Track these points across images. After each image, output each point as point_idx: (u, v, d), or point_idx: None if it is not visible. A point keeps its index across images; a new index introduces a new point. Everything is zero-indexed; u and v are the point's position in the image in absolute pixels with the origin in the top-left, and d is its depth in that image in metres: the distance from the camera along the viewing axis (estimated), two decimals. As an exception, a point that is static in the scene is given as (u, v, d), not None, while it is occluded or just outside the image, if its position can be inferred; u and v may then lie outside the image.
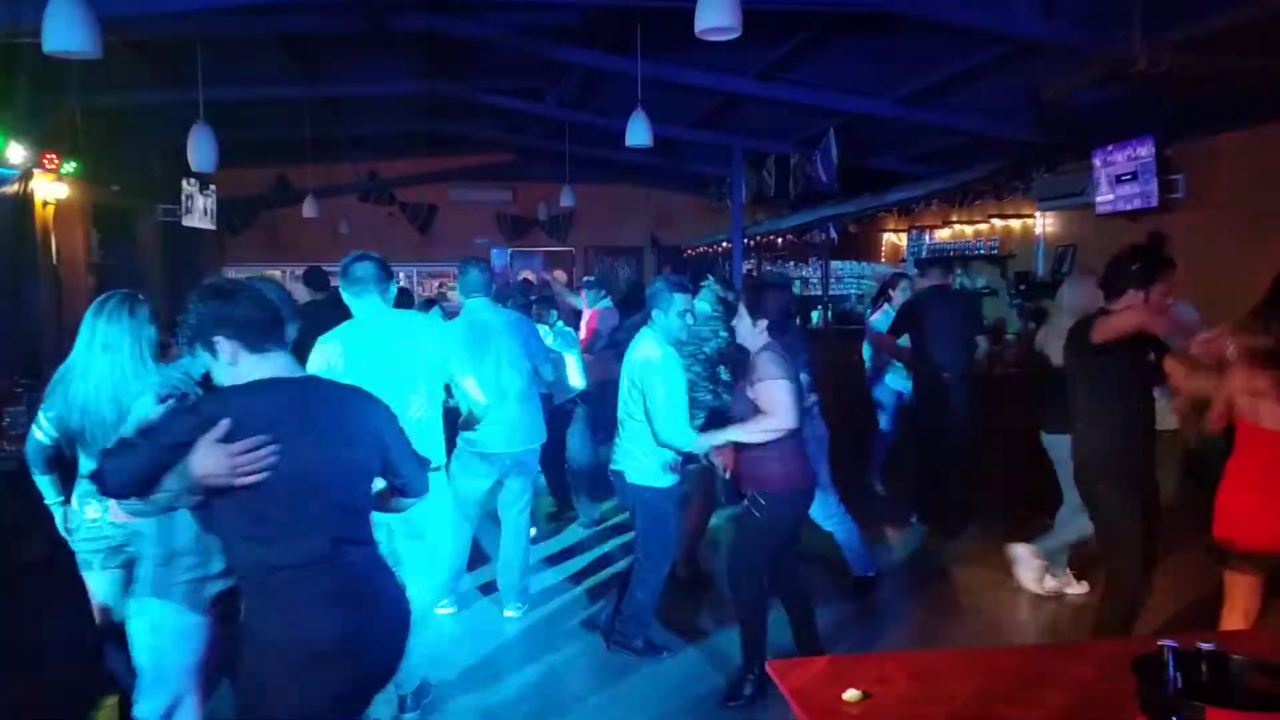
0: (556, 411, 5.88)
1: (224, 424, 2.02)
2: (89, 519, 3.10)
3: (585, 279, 7.30)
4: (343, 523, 2.16)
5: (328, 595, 2.11)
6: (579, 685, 3.93)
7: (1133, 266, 3.48)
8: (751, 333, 3.66)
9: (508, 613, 4.60)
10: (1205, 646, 1.71)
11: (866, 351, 6.98)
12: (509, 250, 14.38)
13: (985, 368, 6.73)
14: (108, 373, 2.99)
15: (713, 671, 4.00)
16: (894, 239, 12.61)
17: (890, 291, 7.04)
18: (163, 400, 2.31)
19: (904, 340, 6.36)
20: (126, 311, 3.05)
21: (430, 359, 3.78)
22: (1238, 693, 1.67)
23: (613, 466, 4.10)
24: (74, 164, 8.08)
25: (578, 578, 5.22)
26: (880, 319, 6.96)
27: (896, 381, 6.84)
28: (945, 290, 6.54)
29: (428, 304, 7.77)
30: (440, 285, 13.65)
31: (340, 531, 2.15)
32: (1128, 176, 6.84)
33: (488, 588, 4.92)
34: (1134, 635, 3.65)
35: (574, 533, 6.08)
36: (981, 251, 10.06)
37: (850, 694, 1.95)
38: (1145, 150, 6.67)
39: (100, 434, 2.94)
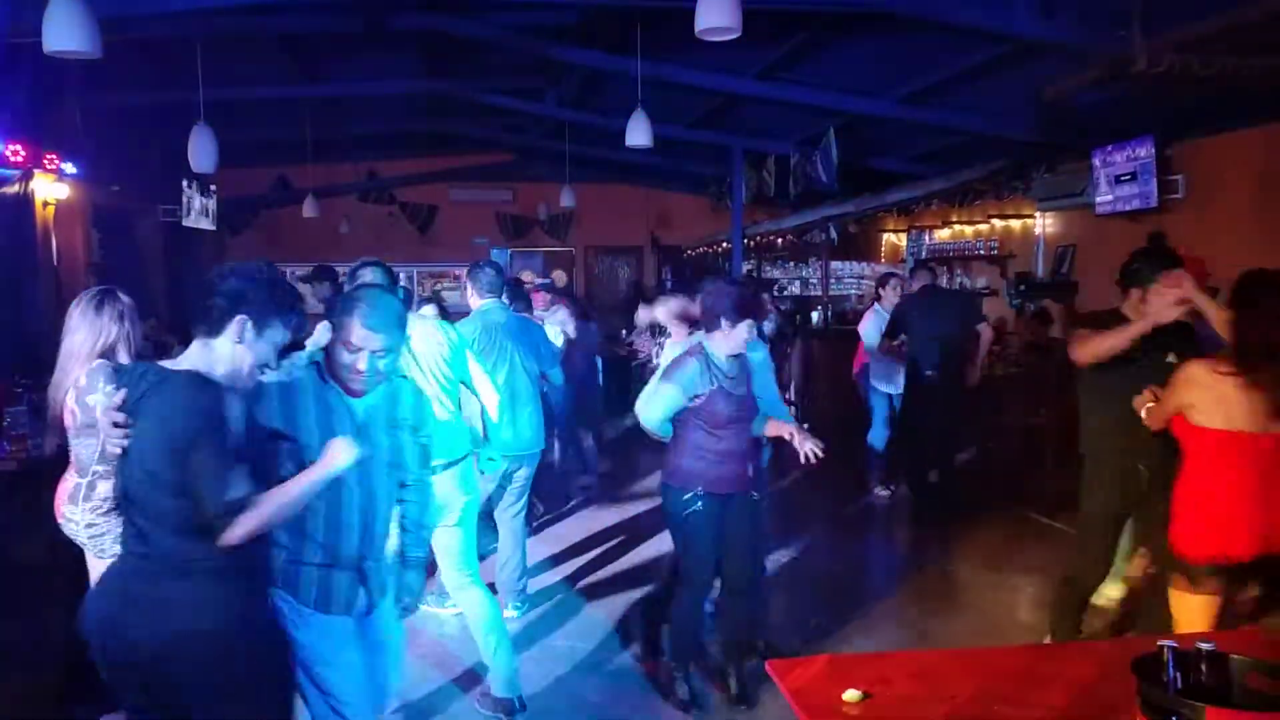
0: None
1: (122, 392, 2.14)
2: None
3: (540, 281, 7.18)
4: (145, 524, 2.14)
5: (107, 581, 2.23)
6: (580, 685, 3.93)
7: (1132, 266, 3.52)
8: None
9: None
10: (1205, 646, 1.71)
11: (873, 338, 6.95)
12: (509, 250, 14.39)
13: (986, 367, 6.74)
14: (63, 360, 3.04)
15: (713, 671, 3.99)
16: (894, 239, 12.60)
17: (881, 290, 7.11)
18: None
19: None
20: (94, 308, 3.07)
21: (445, 362, 3.78)
22: (1237, 693, 1.67)
23: None
24: (73, 164, 8.09)
25: (575, 577, 5.23)
26: (874, 320, 6.98)
27: (882, 383, 6.86)
28: (934, 291, 6.65)
29: (423, 302, 7.74)
30: (435, 284, 13.63)
31: (142, 531, 2.14)
32: (1127, 176, 6.84)
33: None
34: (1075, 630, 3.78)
35: (571, 532, 6.08)
36: (981, 251, 10.06)
37: (850, 694, 1.95)
38: (1145, 150, 6.67)
39: (55, 417, 3.01)
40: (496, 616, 3.67)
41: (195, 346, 2.20)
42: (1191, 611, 2.92)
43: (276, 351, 2.29)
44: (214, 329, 2.18)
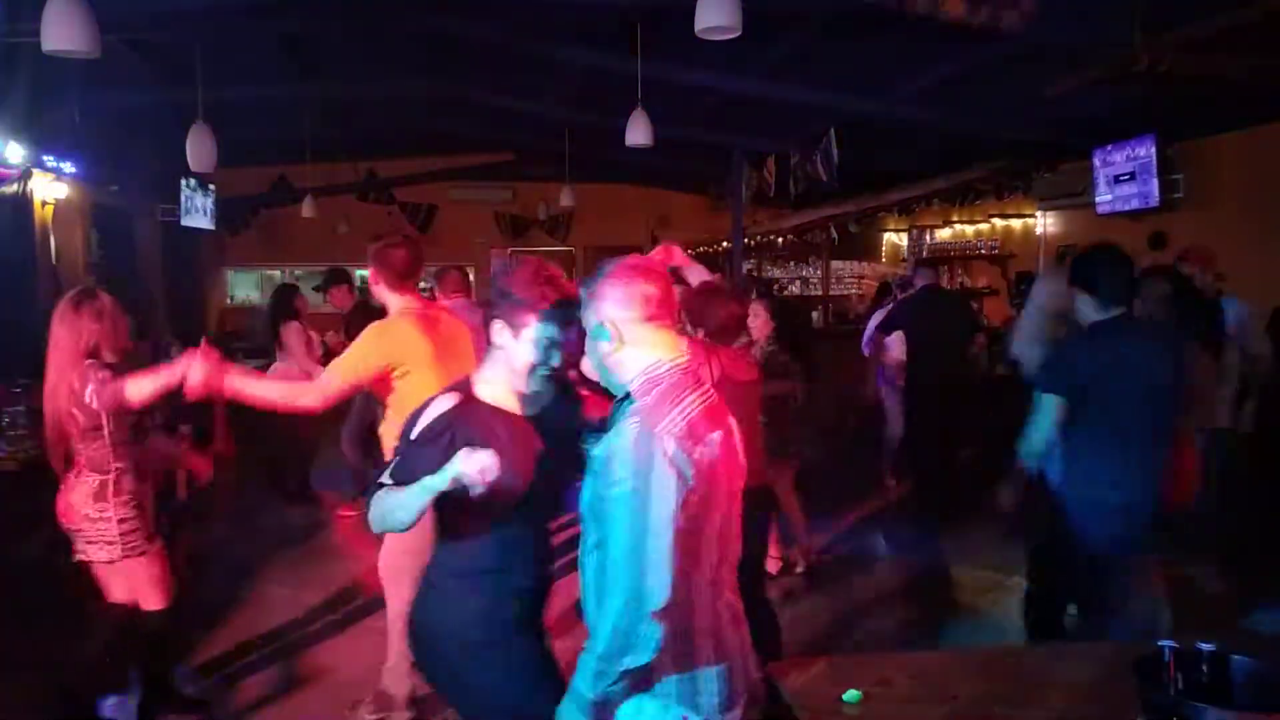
0: None
1: None
2: None
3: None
4: None
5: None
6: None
7: None
8: None
9: None
10: (1205, 647, 1.71)
11: None
12: (508, 250, 14.38)
13: (983, 368, 6.75)
14: (52, 368, 3.09)
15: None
16: (894, 239, 12.61)
17: (896, 293, 7.15)
18: None
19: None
20: (71, 308, 3.11)
21: None
22: (1238, 694, 1.67)
23: None
24: (72, 164, 8.09)
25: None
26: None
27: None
28: (935, 291, 6.65)
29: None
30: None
31: None
32: (1127, 176, 6.84)
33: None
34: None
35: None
36: (982, 251, 10.07)
37: (850, 694, 1.95)
38: (1145, 150, 6.67)
39: (53, 424, 3.06)
40: None
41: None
42: None
43: (551, 349, 2.07)
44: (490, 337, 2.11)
